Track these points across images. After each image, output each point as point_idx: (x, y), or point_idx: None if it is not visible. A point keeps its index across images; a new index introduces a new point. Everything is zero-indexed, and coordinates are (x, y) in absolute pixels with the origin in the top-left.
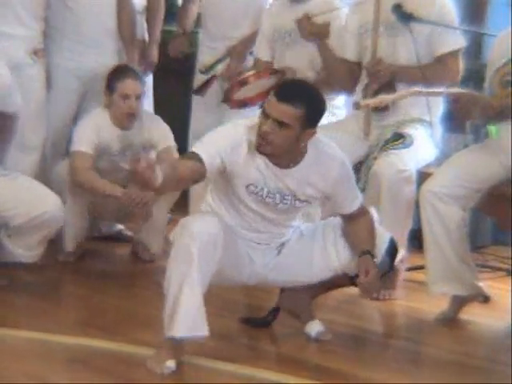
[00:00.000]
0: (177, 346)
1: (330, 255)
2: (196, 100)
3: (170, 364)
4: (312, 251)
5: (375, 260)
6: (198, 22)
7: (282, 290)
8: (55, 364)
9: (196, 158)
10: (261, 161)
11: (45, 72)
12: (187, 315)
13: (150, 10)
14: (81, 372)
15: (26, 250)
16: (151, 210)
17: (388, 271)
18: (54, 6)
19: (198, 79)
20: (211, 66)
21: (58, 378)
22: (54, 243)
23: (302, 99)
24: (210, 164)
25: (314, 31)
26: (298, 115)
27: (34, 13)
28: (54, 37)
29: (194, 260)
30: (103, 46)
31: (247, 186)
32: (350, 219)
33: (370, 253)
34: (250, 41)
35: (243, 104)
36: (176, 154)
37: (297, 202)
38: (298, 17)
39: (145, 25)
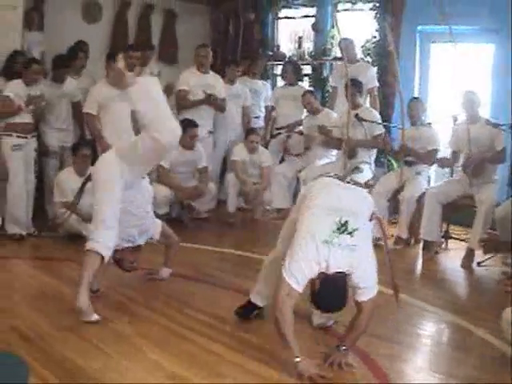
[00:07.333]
0: None
1: None
2: (271, 142)
3: None
4: None
5: None
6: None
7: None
8: (225, 264)
9: None
10: None
11: (213, 140)
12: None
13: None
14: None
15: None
16: None
17: None
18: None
19: (273, 133)
20: (281, 128)
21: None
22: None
23: None
24: None
25: (325, 132)
26: None
27: (209, 116)
28: (214, 125)
29: None
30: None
31: None
32: None
33: None
34: (298, 122)
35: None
36: None
37: None
38: (315, 124)
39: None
